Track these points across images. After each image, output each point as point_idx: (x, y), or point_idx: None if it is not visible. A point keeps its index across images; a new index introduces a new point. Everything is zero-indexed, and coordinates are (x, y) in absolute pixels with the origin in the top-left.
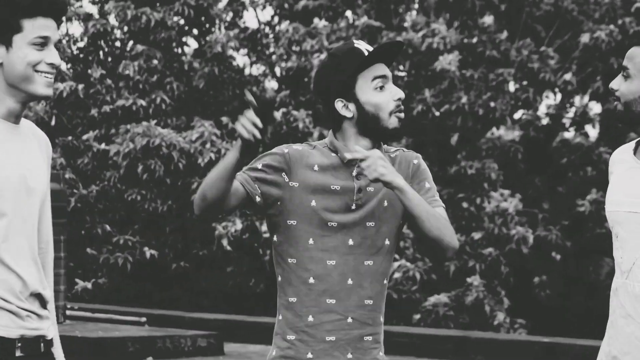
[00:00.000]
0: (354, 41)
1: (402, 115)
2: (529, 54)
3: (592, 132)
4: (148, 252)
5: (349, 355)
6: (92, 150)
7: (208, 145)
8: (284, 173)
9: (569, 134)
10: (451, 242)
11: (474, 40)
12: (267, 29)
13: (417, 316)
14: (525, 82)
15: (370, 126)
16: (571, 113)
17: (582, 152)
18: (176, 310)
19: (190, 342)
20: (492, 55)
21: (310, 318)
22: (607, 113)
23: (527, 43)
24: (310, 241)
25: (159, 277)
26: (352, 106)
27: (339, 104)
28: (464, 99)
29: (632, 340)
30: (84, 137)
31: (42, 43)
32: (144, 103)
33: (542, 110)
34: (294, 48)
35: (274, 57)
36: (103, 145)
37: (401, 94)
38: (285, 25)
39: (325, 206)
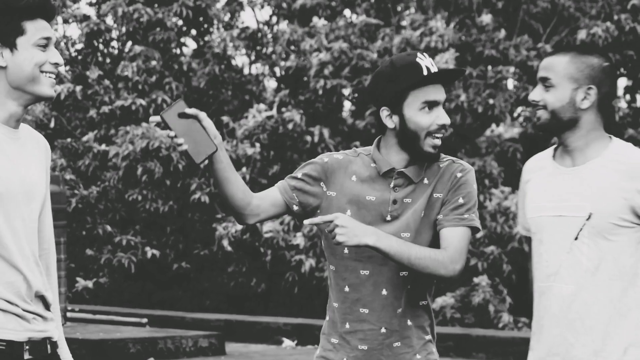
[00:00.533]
0: (418, 55)
1: (438, 142)
2: (528, 54)
3: None
4: (150, 252)
5: None
6: (92, 152)
7: None
8: (322, 182)
9: None
10: (446, 273)
11: (472, 38)
12: (265, 28)
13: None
14: (525, 78)
15: (408, 142)
16: None
17: None
18: (177, 311)
19: (192, 343)
20: (490, 55)
21: (347, 325)
22: None
23: (524, 40)
24: (345, 250)
25: (160, 278)
26: (395, 118)
27: (384, 112)
28: (463, 97)
29: (560, 341)
30: (84, 138)
31: (45, 44)
32: (143, 103)
33: None
34: (292, 47)
35: (273, 56)
36: (103, 147)
37: (446, 120)
38: (283, 25)
39: (360, 217)
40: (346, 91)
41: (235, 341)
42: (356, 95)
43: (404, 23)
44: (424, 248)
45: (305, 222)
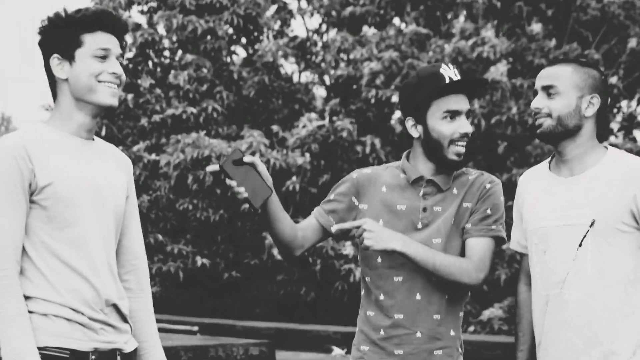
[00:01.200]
0: (442, 65)
1: (462, 150)
2: None
3: None
4: (200, 260)
5: None
6: (143, 161)
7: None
8: (354, 197)
9: (617, 139)
10: (470, 281)
11: (522, 47)
12: (315, 37)
13: (471, 328)
14: None
15: (433, 151)
16: (619, 117)
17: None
18: (228, 319)
19: (242, 351)
20: (541, 64)
21: (382, 332)
22: None
23: (573, 48)
24: (379, 259)
25: (210, 286)
26: (420, 128)
27: (409, 122)
28: (514, 110)
29: (569, 346)
30: (135, 148)
31: (104, 55)
32: (194, 111)
33: None
34: (342, 56)
35: (322, 65)
36: (153, 156)
37: (468, 129)
38: (333, 33)
39: (392, 225)
40: (396, 100)
41: (285, 349)
42: None
43: (453, 31)
44: (449, 256)
45: (334, 227)
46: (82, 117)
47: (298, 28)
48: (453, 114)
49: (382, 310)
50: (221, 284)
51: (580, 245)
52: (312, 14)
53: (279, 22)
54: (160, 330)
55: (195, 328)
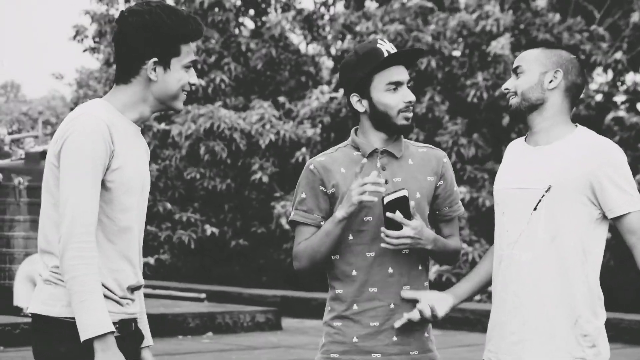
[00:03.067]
0: (378, 41)
1: (409, 114)
2: (581, 37)
3: None
4: (209, 229)
5: (394, 339)
6: (153, 131)
7: (268, 127)
8: (320, 186)
9: (622, 112)
10: (458, 258)
11: (526, 23)
12: (322, 9)
13: (477, 297)
14: None
15: (381, 122)
16: (622, 91)
17: (637, 130)
18: (235, 287)
19: (249, 318)
20: (545, 39)
21: (355, 307)
22: None
23: (577, 22)
24: (350, 237)
25: (218, 254)
26: (365, 102)
27: (354, 99)
28: None
29: (515, 301)
30: None
31: (190, 66)
32: (202, 83)
33: (592, 87)
34: (348, 29)
35: (329, 37)
36: (163, 125)
37: (411, 97)
38: (340, 6)
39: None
40: None
41: (291, 316)
42: (413, 76)
43: (457, 5)
44: (446, 240)
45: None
46: (147, 110)
47: (305, 1)
48: (396, 85)
49: (355, 285)
50: (228, 252)
51: (535, 209)
52: None
53: None
54: (169, 297)
55: (203, 295)
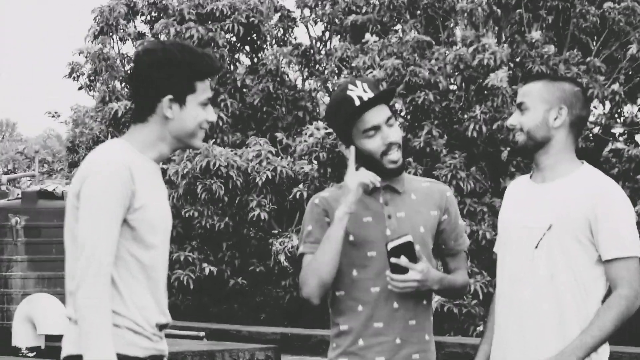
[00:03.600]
0: (348, 87)
1: (394, 156)
2: (577, 69)
3: None
4: (208, 268)
5: None
6: None
7: (265, 163)
8: (326, 218)
9: (620, 144)
10: (466, 293)
11: (522, 55)
12: (318, 45)
13: (480, 328)
14: None
15: (371, 165)
16: (620, 123)
17: (636, 162)
18: (234, 324)
19: (249, 356)
20: (541, 71)
21: (361, 342)
22: None
23: (574, 54)
24: (354, 272)
25: (216, 293)
26: (352, 148)
27: (342, 147)
28: None
29: (518, 337)
30: None
31: (207, 103)
32: None
33: (590, 119)
34: (345, 64)
35: (326, 72)
36: (160, 165)
37: (392, 138)
38: (336, 41)
39: (364, 238)
40: (400, 107)
41: (291, 354)
42: (410, 110)
43: (454, 39)
44: (454, 277)
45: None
46: (166, 149)
47: (301, 36)
48: (374, 130)
49: (360, 320)
50: (227, 291)
51: (536, 247)
52: (315, 22)
53: (281, 30)
54: (168, 336)
55: (202, 333)
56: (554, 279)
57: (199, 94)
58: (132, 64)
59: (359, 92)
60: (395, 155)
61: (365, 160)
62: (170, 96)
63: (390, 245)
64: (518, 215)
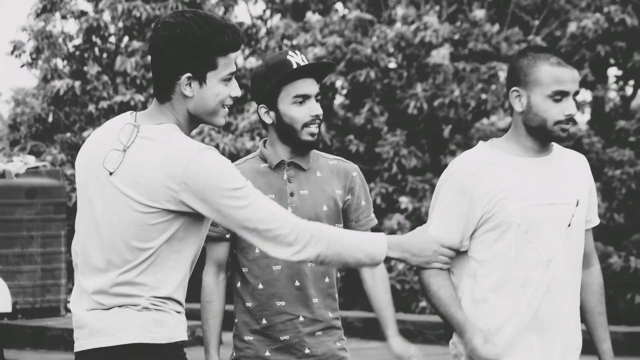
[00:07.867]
0: (289, 52)
1: (314, 130)
2: (519, 47)
3: (582, 118)
4: None
5: (306, 351)
6: None
7: (207, 140)
8: None
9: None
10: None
11: (465, 34)
12: (259, 23)
13: (423, 304)
14: None
15: (287, 135)
16: None
17: (574, 140)
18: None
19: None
20: (483, 49)
21: (264, 321)
22: (596, 101)
23: (515, 33)
24: (256, 250)
25: None
26: (272, 114)
27: (261, 110)
28: (457, 92)
29: (555, 315)
30: (85, 133)
31: (230, 79)
32: (142, 98)
33: None
34: (286, 42)
35: (267, 51)
36: None
37: (318, 111)
38: (277, 19)
39: None
40: (341, 85)
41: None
42: (351, 88)
43: (395, 17)
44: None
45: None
46: (188, 128)
47: (242, 15)
48: (303, 98)
49: (263, 299)
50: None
51: (569, 225)
52: (255, 1)
53: (222, 9)
54: None
55: None
56: (578, 257)
57: (221, 70)
58: (151, 38)
59: (298, 59)
60: (315, 129)
61: (283, 127)
62: (188, 74)
63: None
64: (535, 191)
